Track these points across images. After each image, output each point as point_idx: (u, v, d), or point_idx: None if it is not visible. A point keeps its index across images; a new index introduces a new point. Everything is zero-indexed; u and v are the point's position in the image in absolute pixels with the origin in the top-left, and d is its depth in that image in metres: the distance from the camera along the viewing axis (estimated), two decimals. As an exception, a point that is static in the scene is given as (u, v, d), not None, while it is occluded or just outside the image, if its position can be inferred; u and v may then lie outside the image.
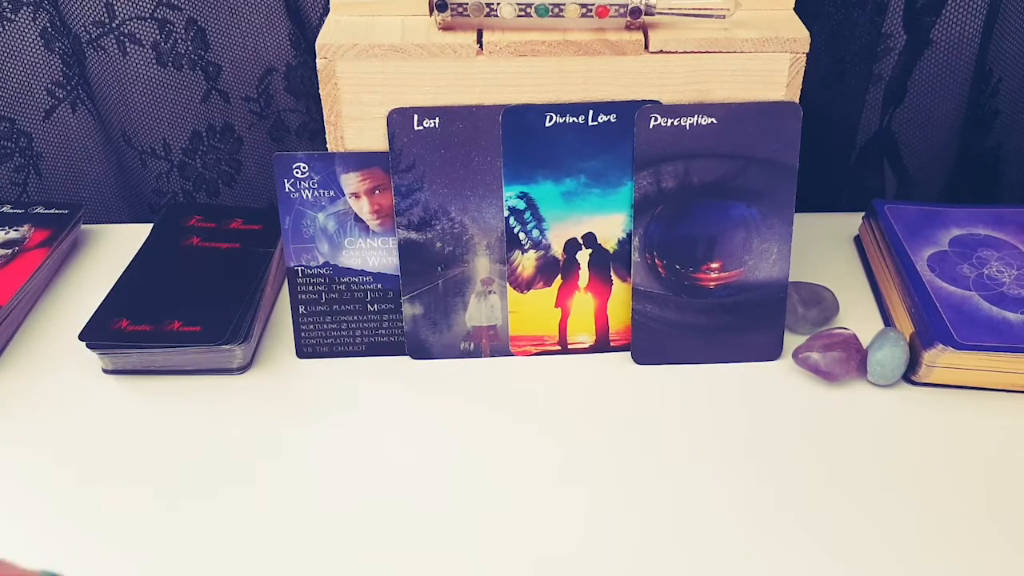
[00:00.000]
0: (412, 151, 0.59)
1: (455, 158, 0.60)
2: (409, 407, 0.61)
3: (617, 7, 0.56)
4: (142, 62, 0.76)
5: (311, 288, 0.64)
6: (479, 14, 0.57)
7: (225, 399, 0.62)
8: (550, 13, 0.57)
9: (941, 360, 0.60)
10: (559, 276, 0.64)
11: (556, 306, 0.64)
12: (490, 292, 0.63)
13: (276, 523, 0.53)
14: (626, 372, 0.64)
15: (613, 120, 0.59)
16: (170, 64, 0.76)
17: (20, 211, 0.76)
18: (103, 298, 0.66)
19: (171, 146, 0.81)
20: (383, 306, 0.64)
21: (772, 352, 0.64)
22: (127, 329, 0.62)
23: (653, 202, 0.61)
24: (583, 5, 0.57)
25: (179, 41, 0.76)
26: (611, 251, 0.63)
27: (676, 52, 0.57)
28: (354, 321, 0.64)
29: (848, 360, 0.61)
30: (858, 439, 0.58)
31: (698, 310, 0.63)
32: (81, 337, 0.62)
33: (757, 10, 0.60)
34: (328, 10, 0.63)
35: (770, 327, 0.64)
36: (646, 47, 0.57)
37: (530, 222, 0.62)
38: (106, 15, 0.74)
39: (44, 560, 0.50)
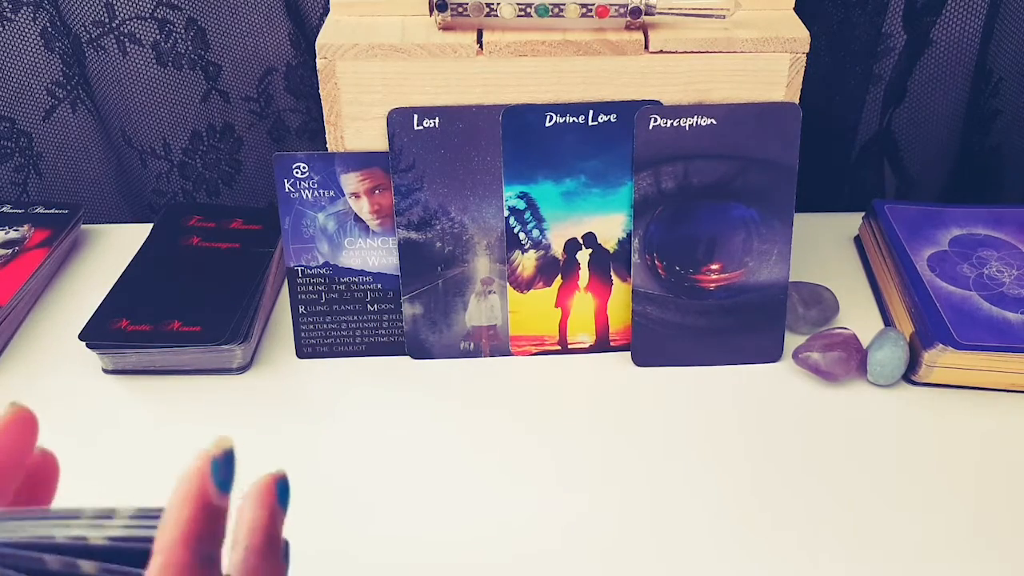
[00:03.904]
0: (412, 151, 0.59)
1: (455, 158, 0.60)
2: (409, 407, 0.61)
3: (617, 7, 0.56)
4: (142, 62, 0.76)
5: (311, 288, 0.64)
6: (479, 14, 0.57)
7: (225, 399, 0.62)
8: (550, 13, 0.57)
9: (941, 360, 0.60)
10: (559, 276, 0.64)
11: (556, 306, 0.64)
12: (490, 292, 0.63)
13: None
14: (626, 372, 0.64)
15: (613, 120, 0.59)
16: (170, 64, 0.76)
17: (20, 211, 0.76)
18: (103, 298, 0.66)
19: (171, 146, 0.81)
20: (383, 306, 0.64)
21: (772, 354, 0.64)
22: (127, 329, 0.62)
23: (653, 203, 0.61)
24: (583, 5, 0.56)
25: (179, 41, 0.76)
26: (611, 251, 0.63)
27: (676, 52, 0.57)
28: (354, 321, 0.64)
29: (848, 360, 0.61)
30: (858, 439, 0.58)
31: (698, 312, 0.63)
32: (81, 337, 0.62)
33: (757, 10, 0.60)
34: (328, 10, 0.63)
35: (770, 329, 0.64)
36: (646, 47, 0.57)
37: (530, 222, 0.62)
38: (106, 15, 0.74)
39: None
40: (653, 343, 0.64)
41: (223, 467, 0.27)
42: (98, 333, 0.62)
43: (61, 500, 0.32)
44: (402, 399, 0.62)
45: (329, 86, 0.58)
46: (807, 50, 0.57)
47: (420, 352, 0.65)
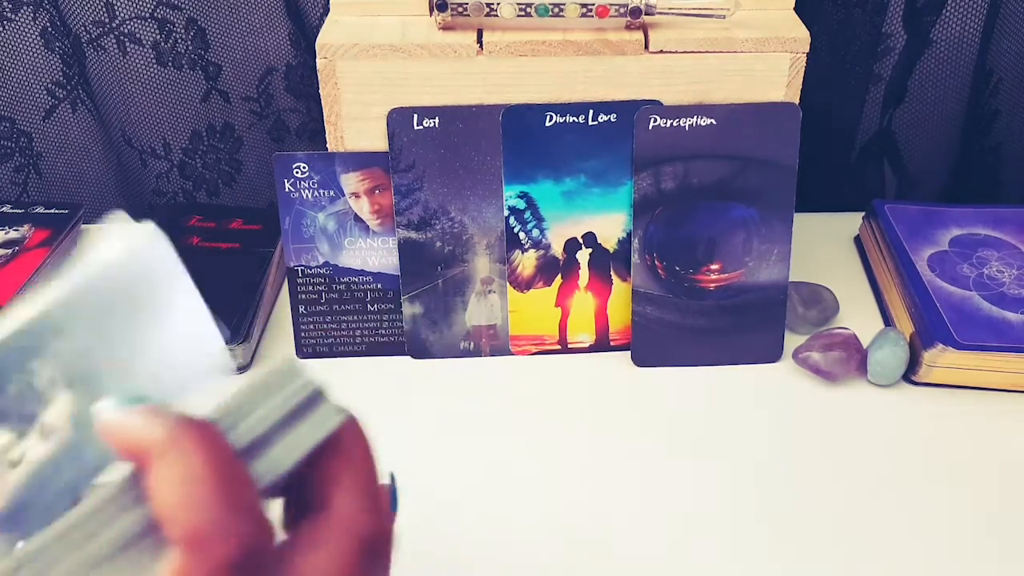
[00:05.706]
0: (412, 151, 0.59)
1: (455, 158, 0.60)
2: (409, 407, 0.61)
3: (617, 7, 0.56)
4: (142, 62, 0.76)
5: (311, 288, 0.64)
6: (479, 14, 0.57)
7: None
8: (550, 13, 0.57)
9: (941, 360, 0.60)
10: (559, 275, 0.64)
11: (556, 305, 0.64)
12: (490, 291, 0.63)
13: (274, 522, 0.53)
14: (626, 372, 0.64)
15: (613, 120, 0.59)
16: (170, 64, 0.76)
17: (20, 211, 0.76)
18: (103, 298, 0.65)
19: (171, 146, 0.81)
20: (383, 306, 0.64)
21: (773, 354, 0.64)
22: (127, 329, 0.62)
23: (652, 203, 0.61)
24: (583, 5, 0.57)
25: (179, 41, 0.76)
26: (611, 250, 0.63)
27: (676, 52, 0.57)
28: (354, 321, 0.64)
29: (848, 360, 0.61)
30: (858, 439, 0.58)
31: (698, 312, 0.63)
32: (81, 337, 0.62)
33: (757, 10, 0.60)
34: (328, 10, 0.64)
35: (770, 329, 0.64)
36: (646, 47, 0.57)
37: (530, 221, 0.62)
38: (106, 15, 0.74)
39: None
40: (653, 343, 0.64)
41: None
42: (98, 333, 0.62)
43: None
44: (402, 399, 0.62)
45: (329, 86, 0.58)
46: (807, 50, 0.57)
47: (420, 352, 0.65)
